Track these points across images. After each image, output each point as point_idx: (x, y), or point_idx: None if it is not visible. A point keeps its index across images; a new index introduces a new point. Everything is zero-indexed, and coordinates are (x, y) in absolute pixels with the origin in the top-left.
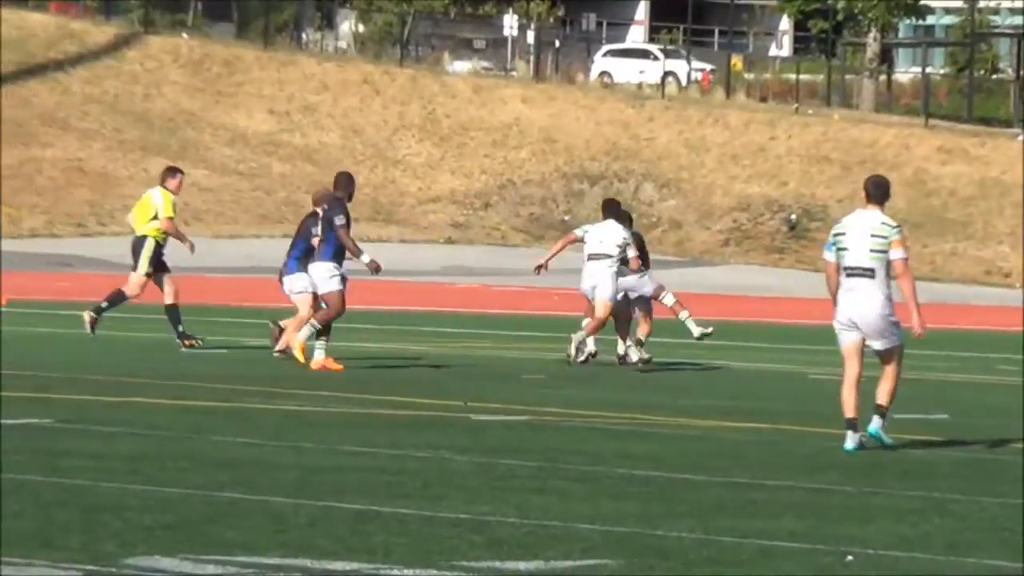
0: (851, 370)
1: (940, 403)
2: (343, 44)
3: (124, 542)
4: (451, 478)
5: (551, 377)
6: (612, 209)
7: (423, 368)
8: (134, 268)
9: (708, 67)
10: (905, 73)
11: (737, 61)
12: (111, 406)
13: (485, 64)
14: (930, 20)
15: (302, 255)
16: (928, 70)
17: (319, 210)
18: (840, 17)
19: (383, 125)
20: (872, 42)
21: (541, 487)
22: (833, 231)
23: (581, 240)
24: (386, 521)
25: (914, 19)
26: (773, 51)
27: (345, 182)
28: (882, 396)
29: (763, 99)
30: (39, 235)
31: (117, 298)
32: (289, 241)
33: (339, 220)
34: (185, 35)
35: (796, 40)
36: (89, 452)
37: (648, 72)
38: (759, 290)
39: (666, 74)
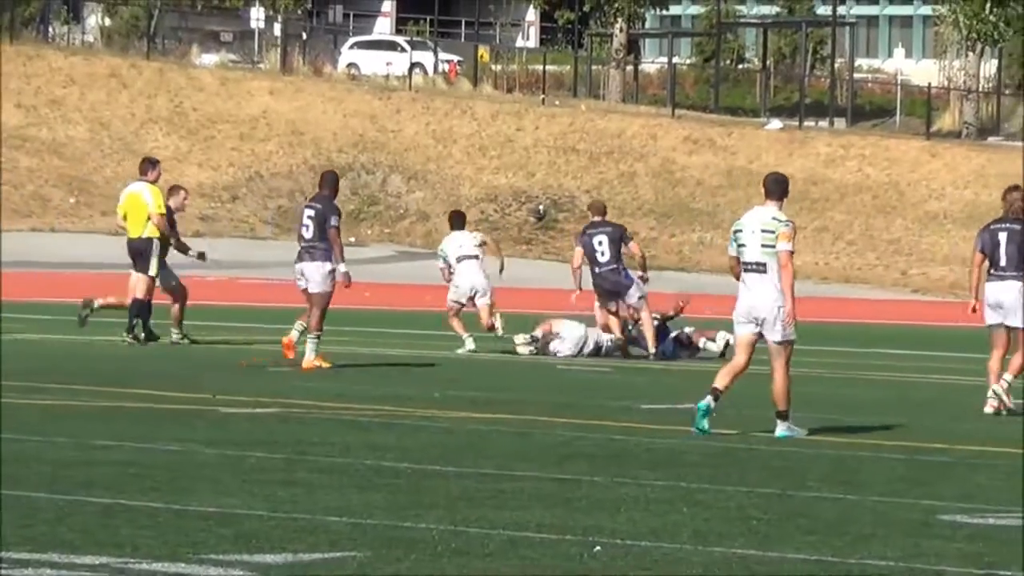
0: (738, 360)
1: (688, 393)
2: (90, 38)
3: None
4: (199, 471)
5: (298, 369)
6: None
7: (173, 361)
8: (141, 270)
9: (455, 58)
10: (652, 64)
11: (484, 52)
12: None
13: (232, 57)
14: (676, 10)
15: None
16: (675, 60)
17: (599, 219)
18: (587, 8)
19: (130, 118)
20: (619, 32)
21: (289, 479)
22: (732, 228)
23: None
24: (134, 515)
25: (660, 9)
26: (520, 42)
27: (332, 180)
28: (780, 402)
29: (510, 90)
30: None
31: (138, 307)
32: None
33: (334, 221)
34: None
35: (543, 31)
36: None
37: (395, 64)
38: (508, 281)
39: (413, 65)
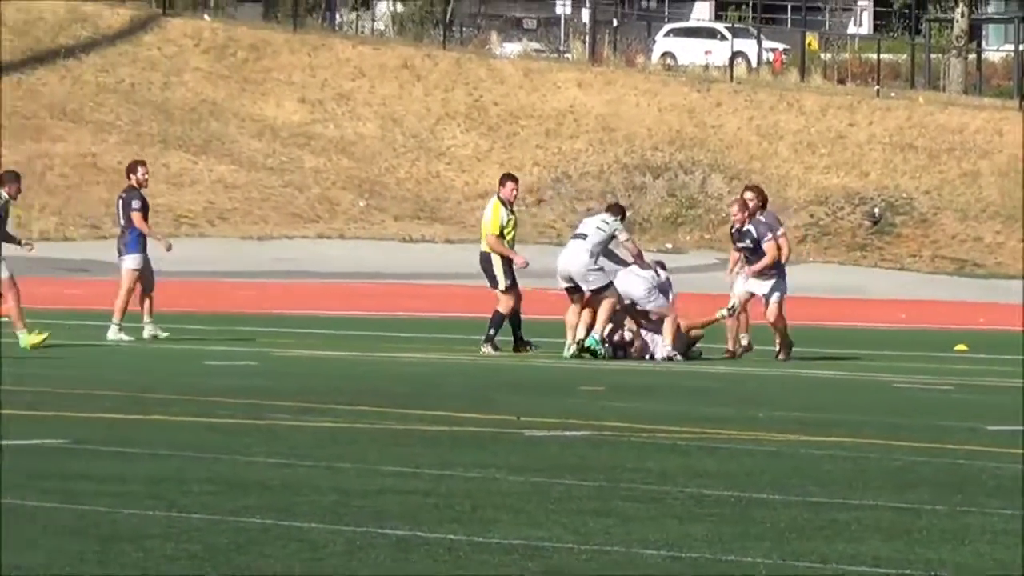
0: None
1: None
2: (380, 25)
3: (145, 573)
4: (503, 500)
5: (611, 388)
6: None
7: (471, 380)
8: (492, 285)
9: (780, 47)
10: (996, 51)
11: (812, 40)
12: (130, 424)
13: (536, 46)
14: None
15: None
16: (1022, 48)
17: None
18: None
19: (425, 114)
20: (960, 18)
21: (601, 509)
22: None
23: None
24: (432, 548)
25: None
26: (852, 28)
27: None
28: None
29: (841, 81)
30: (50, 238)
31: (500, 320)
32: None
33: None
34: (207, 17)
35: (876, 16)
36: (106, 475)
37: (715, 53)
38: (840, 291)
39: (735, 55)
